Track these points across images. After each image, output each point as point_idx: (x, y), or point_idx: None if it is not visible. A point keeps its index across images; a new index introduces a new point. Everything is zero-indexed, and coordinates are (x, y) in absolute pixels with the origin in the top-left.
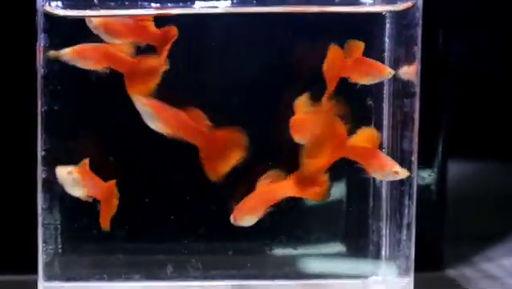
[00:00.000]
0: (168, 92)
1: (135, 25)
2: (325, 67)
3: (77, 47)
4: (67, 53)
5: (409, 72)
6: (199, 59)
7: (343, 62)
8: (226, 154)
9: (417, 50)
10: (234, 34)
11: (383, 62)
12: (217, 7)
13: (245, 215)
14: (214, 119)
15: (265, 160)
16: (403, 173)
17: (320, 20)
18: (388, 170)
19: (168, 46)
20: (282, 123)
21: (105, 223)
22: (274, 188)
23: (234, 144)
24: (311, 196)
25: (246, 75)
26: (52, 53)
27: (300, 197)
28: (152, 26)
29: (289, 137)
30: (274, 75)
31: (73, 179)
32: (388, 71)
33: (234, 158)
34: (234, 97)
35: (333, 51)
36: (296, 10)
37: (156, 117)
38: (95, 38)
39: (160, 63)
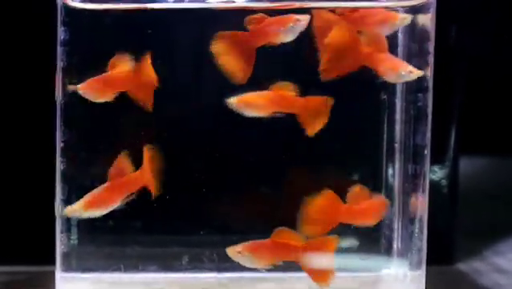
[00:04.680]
0: None
1: (276, 97)
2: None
3: None
4: None
5: None
6: None
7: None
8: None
9: (431, 45)
10: None
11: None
12: (233, 1)
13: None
14: None
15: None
16: (417, 72)
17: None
18: (402, 70)
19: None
20: None
21: None
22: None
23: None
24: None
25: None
26: None
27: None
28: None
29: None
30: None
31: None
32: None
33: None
34: None
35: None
36: (310, 6)
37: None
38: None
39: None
